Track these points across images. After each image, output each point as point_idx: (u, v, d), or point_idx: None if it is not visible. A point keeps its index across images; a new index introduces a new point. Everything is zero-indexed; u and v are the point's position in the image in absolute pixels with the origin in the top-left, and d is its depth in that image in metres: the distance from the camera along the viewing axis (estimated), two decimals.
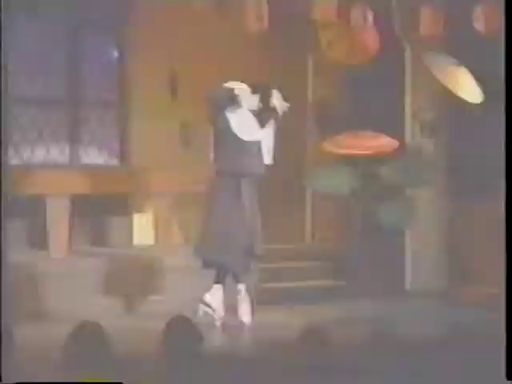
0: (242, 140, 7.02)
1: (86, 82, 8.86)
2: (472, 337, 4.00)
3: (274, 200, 9.34)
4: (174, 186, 8.05)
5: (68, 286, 7.42)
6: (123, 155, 8.97)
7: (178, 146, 8.98)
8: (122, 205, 8.70)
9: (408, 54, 9.12)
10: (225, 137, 7.02)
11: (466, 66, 8.62)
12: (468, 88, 8.59)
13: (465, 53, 8.65)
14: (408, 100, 9.15)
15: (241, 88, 7.17)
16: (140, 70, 8.87)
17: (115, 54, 8.98)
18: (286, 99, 9.37)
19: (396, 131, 9.06)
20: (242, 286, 6.93)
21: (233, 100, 7.05)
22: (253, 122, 7.16)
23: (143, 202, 8.65)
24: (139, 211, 8.72)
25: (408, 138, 9.17)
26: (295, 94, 9.48)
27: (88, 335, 3.72)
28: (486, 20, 8.16)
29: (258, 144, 7.09)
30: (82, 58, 8.83)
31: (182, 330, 3.92)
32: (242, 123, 7.10)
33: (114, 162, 8.96)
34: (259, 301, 7.83)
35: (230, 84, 7.21)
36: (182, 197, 8.21)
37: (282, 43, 9.19)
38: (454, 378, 3.83)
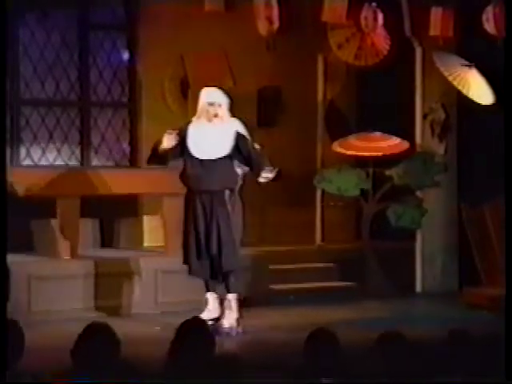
0: (196, 158, 6.61)
1: (96, 84, 8.87)
2: (476, 338, 3.99)
3: (284, 201, 9.34)
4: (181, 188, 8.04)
5: (77, 287, 7.43)
6: (134, 157, 8.98)
7: None
8: (132, 206, 8.70)
9: (418, 55, 9.11)
10: (183, 149, 6.65)
11: (477, 67, 8.60)
12: (478, 89, 8.57)
13: (475, 53, 8.63)
14: (418, 101, 9.14)
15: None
16: (150, 71, 8.88)
17: (126, 55, 8.99)
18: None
19: (406, 133, 9.05)
20: (209, 295, 6.70)
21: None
22: (216, 138, 6.61)
23: (154, 203, 8.64)
24: (150, 213, 8.72)
25: (418, 139, 9.15)
26: (305, 96, 9.50)
27: (97, 336, 3.72)
28: (496, 21, 8.15)
29: (217, 162, 6.55)
30: (92, 59, 8.85)
31: (195, 333, 3.92)
32: (200, 140, 6.63)
33: (125, 163, 8.97)
34: (269, 302, 7.84)
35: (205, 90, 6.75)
36: None
37: (292, 45, 9.18)
38: (454, 379, 3.83)
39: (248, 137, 6.73)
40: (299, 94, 9.43)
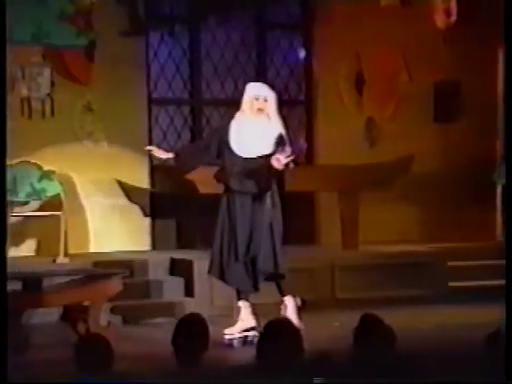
0: (238, 155, 6.13)
1: (274, 82, 9.02)
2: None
3: (463, 198, 9.17)
4: (358, 184, 8.05)
5: None
6: (310, 153, 9.06)
7: (363, 143, 8.99)
8: (308, 202, 8.79)
9: None
10: (223, 146, 6.17)
11: None
12: None
13: None
14: None
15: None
16: (326, 68, 8.94)
17: (302, 53, 9.09)
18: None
19: None
20: (241, 303, 6.23)
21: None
22: (259, 135, 6.11)
23: (328, 200, 8.68)
24: (325, 209, 8.77)
25: None
26: (485, 90, 9.28)
27: (279, 332, 3.75)
28: None
29: (259, 161, 6.06)
30: (270, 58, 9.01)
31: (374, 329, 3.95)
32: (242, 136, 6.14)
33: (301, 160, 9.06)
34: (447, 299, 7.74)
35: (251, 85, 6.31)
36: (366, 195, 8.20)
37: (471, 37, 8.99)
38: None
39: (287, 144, 6.16)
40: (478, 88, 9.23)
